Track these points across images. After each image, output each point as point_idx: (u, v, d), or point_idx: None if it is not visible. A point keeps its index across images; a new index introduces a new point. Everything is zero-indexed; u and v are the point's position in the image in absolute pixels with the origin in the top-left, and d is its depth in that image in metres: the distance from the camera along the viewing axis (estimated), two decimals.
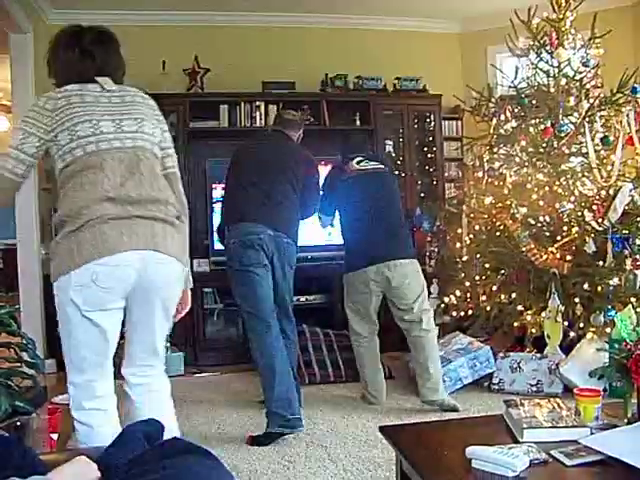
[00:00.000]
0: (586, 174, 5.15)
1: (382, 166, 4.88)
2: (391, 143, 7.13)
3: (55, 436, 3.74)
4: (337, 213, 4.94)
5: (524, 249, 5.05)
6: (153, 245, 2.55)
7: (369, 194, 4.74)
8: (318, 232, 5.55)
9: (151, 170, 2.66)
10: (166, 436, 2.04)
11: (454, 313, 5.59)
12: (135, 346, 2.75)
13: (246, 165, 4.38)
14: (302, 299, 6.29)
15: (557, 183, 5.17)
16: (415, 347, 4.66)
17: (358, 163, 4.83)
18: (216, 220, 6.03)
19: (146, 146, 2.69)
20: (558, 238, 5.03)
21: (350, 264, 4.78)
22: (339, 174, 4.85)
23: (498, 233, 5.42)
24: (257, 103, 6.62)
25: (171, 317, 2.76)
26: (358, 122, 6.94)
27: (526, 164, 5.39)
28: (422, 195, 7.09)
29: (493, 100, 5.63)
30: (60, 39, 2.79)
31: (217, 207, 6.00)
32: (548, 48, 5.33)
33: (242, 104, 6.61)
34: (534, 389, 4.77)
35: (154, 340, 2.75)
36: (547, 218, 5.17)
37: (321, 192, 4.83)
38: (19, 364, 3.50)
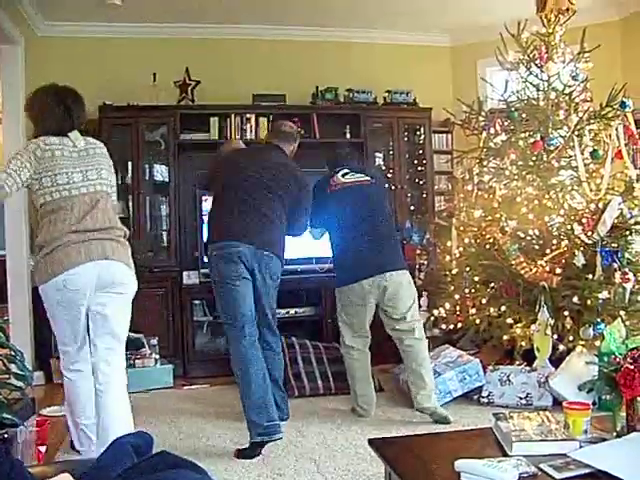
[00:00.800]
0: (575, 187, 5.17)
1: (368, 178, 4.88)
2: (381, 156, 7.15)
3: (43, 448, 3.73)
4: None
5: (513, 262, 5.05)
6: (104, 255, 3.56)
7: (356, 207, 4.74)
8: (306, 245, 5.54)
9: (104, 206, 3.68)
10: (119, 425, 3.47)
11: (443, 326, 5.58)
12: (98, 331, 3.65)
13: (233, 179, 4.38)
14: (291, 312, 6.31)
15: (546, 196, 5.18)
16: (408, 355, 4.67)
17: (344, 176, 4.85)
18: (206, 233, 6.06)
19: (103, 189, 3.71)
20: (547, 251, 5.04)
21: (343, 278, 4.77)
22: (324, 188, 4.84)
23: (488, 246, 5.42)
24: (247, 115, 6.64)
25: (129, 307, 3.77)
26: (348, 135, 6.96)
27: (516, 177, 5.39)
28: (412, 208, 7.10)
29: (483, 113, 5.63)
30: (47, 95, 3.74)
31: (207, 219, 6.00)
32: (538, 62, 5.34)
33: (232, 116, 6.61)
34: (523, 402, 4.77)
35: (113, 325, 3.67)
36: (537, 231, 5.18)
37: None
38: (7, 376, 3.53)
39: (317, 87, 6.95)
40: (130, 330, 5.86)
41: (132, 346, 5.73)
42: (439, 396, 4.79)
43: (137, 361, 5.70)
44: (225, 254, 4.19)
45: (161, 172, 6.57)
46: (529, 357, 5.00)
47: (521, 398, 4.78)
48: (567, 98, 5.30)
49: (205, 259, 5.99)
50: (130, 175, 6.46)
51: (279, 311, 5.94)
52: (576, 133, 5.14)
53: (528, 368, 4.91)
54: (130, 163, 6.45)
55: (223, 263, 4.19)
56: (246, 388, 4.07)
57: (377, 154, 7.13)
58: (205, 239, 4.52)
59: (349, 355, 4.83)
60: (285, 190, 4.42)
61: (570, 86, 5.32)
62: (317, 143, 6.73)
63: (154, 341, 5.92)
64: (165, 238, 6.67)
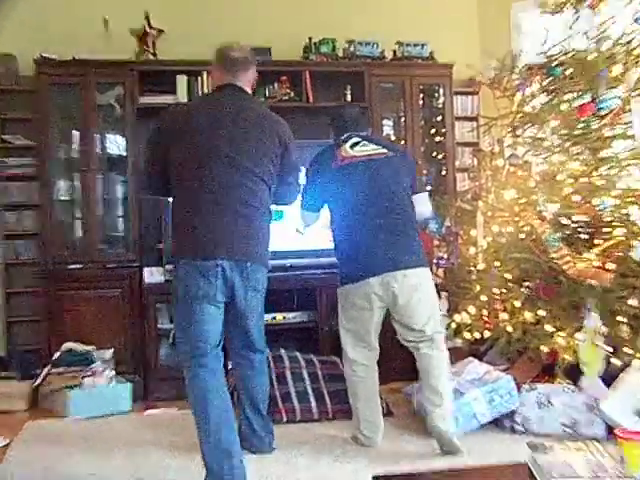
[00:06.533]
0: (633, 162, 5.14)
1: (385, 151, 4.79)
2: (390, 124, 7.14)
3: None
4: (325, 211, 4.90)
5: (554, 255, 5.02)
6: None
7: (368, 187, 4.66)
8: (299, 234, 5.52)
9: None
10: None
11: (467, 335, 5.55)
12: None
13: (191, 156, 4.12)
14: (279, 317, 6.29)
15: (596, 173, 5.16)
16: (424, 367, 4.63)
17: (353, 147, 4.76)
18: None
19: None
20: (597, 242, 5.02)
21: (346, 275, 4.71)
22: (328, 161, 4.76)
23: (522, 236, 5.40)
24: None
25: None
26: (349, 97, 6.94)
27: (558, 150, 5.37)
28: (428, 188, 7.07)
29: (517, 70, 5.61)
30: None
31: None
32: (588, 2, 5.31)
33: (204, 75, 6.58)
34: (568, 430, 4.74)
35: None
36: (584, 217, 5.15)
37: (302, 183, 4.78)
38: None
39: (310, 38, 6.93)
40: (77, 341, 5.91)
41: (80, 361, 5.72)
42: (462, 422, 4.76)
43: (86, 380, 5.65)
44: (199, 265, 4.04)
45: (116, 143, 6.55)
46: (574, 374, 4.98)
47: (565, 425, 4.76)
48: (625, 49, 5.25)
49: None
50: (77, 147, 6.46)
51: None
52: (636, 93, 5.10)
53: (573, 387, 4.89)
54: (76, 132, 6.44)
55: (194, 276, 4.05)
56: (203, 427, 3.98)
57: (385, 121, 7.12)
58: (171, 247, 4.26)
59: (351, 370, 4.79)
60: (270, 153, 4.24)
61: (629, 33, 5.27)
62: (310, 108, 6.73)
63: (108, 354, 5.89)
64: (122, 226, 6.65)
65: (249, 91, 4.38)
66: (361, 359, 4.76)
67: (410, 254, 4.64)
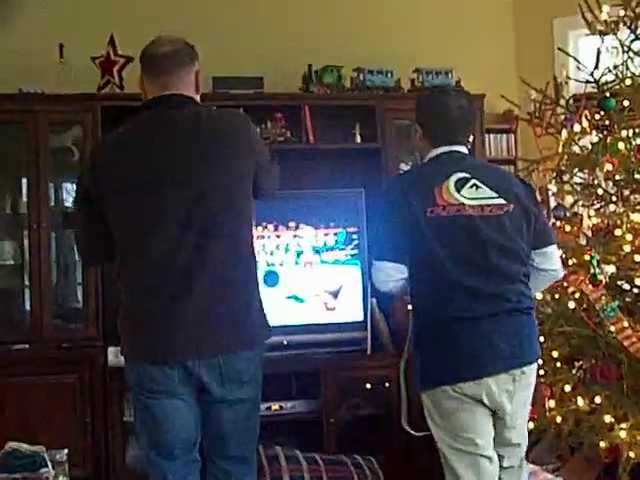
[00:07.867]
0: None
1: (503, 201, 3.99)
2: (408, 168, 7.12)
3: None
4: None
5: (612, 329, 5.00)
6: None
7: (477, 254, 3.93)
8: (296, 305, 5.49)
9: None
10: None
11: None
12: None
13: (135, 212, 3.69)
14: (274, 407, 6.26)
15: None
16: None
17: (459, 188, 3.96)
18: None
19: None
20: None
21: (439, 371, 3.98)
22: (421, 203, 3.94)
23: (572, 304, 5.38)
24: None
25: None
26: (358, 137, 6.95)
27: (614, 199, 5.37)
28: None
29: (563, 102, 5.62)
30: None
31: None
32: None
33: None
34: None
35: None
36: None
37: (373, 224, 4.22)
38: None
39: (310, 66, 6.96)
40: (22, 440, 5.85)
41: (26, 465, 5.65)
42: None
43: None
44: (150, 352, 3.69)
45: (73, 195, 6.51)
46: None
47: None
48: None
49: None
50: (25, 200, 6.46)
51: None
52: None
53: None
54: (25, 181, 6.45)
55: (145, 365, 3.69)
56: None
57: (402, 166, 7.11)
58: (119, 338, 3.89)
59: None
60: (236, 185, 3.73)
61: None
62: (311, 150, 6.72)
63: (62, 456, 5.82)
64: (80, 296, 6.60)
65: (193, 95, 3.84)
66: (480, 476, 4.02)
67: (529, 344, 4.06)
